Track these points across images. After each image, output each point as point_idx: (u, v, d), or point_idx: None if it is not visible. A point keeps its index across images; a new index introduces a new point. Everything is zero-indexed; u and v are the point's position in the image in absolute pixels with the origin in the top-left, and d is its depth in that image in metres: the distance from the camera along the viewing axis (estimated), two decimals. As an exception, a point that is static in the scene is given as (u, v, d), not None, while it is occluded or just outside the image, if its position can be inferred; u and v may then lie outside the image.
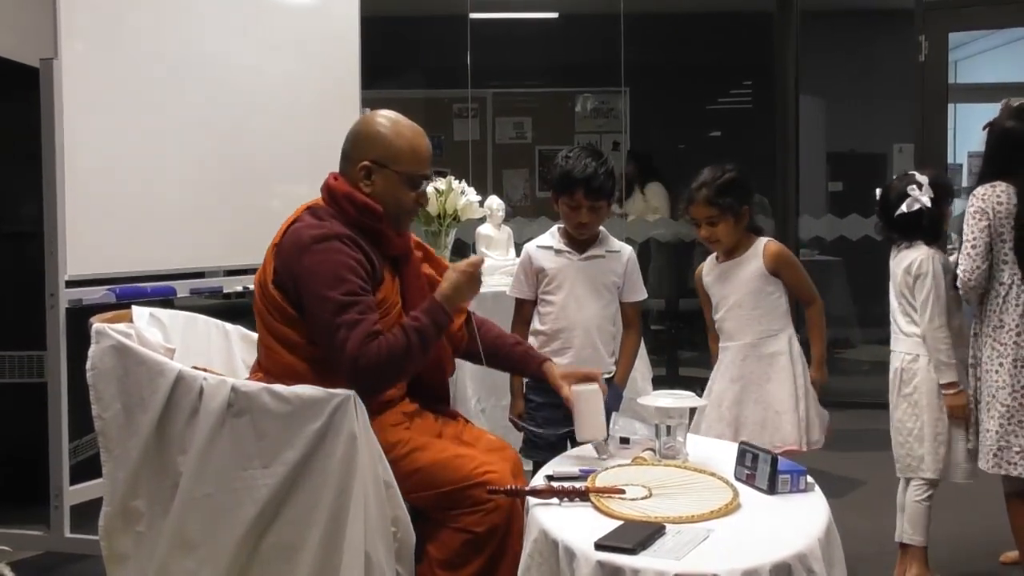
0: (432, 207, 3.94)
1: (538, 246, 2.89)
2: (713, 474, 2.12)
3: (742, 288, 2.95)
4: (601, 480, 2.07)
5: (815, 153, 7.08)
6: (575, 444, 2.47)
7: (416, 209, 2.44)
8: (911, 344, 3.02)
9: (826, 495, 2.05)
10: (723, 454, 2.26)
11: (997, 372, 2.89)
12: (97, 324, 2.32)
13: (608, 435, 2.33)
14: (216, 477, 2.17)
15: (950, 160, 6.47)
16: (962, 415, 2.96)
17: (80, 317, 2.64)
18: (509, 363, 2.62)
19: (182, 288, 3.46)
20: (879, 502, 3.56)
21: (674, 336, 6.52)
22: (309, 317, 2.23)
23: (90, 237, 3.13)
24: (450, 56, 6.62)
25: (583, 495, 1.97)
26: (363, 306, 2.18)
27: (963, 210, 3.00)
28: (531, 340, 2.88)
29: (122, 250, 3.26)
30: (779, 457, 2.09)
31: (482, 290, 2.64)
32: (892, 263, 3.09)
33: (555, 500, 1.98)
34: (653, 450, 2.28)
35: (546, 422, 2.71)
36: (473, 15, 6.44)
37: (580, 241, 2.85)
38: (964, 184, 6.86)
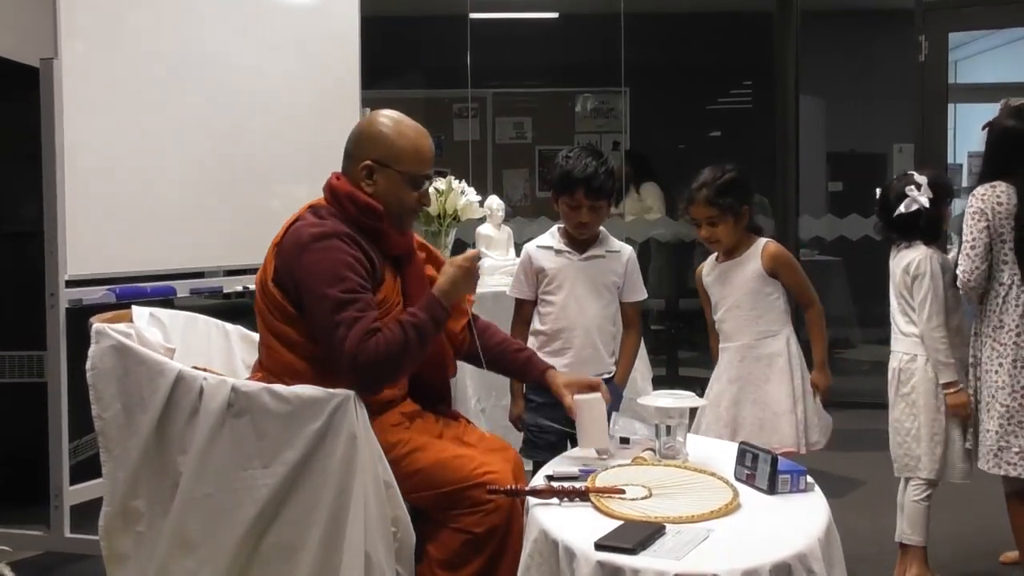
0: (432, 207, 3.94)
1: (538, 246, 2.89)
2: (713, 474, 2.12)
3: (740, 289, 2.95)
4: (601, 480, 2.07)
5: (815, 153, 7.07)
6: (575, 444, 2.47)
7: (418, 209, 2.43)
8: (909, 344, 3.02)
9: (826, 495, 2.05)
10: (723, 454, 2.26)
11: (997, 372, 2.89)
12: (97, 324, 2.32)
13: (610, 439, 2.33)
14: (216, 477, 2.17)
15: (950, 160, 6.47)
16: (964, 413, 2.96)
17: (80, 317, 2.64)
18: (511, 369, 2.61)
19: (182, 288, 3.46)
20: (879, 502, 3.56)
21: (674, 336, 6.52)
22: (308, 315, 2.23)
23: (90, 237, 3.13)
24: (450, 56, 6.62)
25: (583, 495, 1.97)
26: (362, 303, 2.18)
27: (963, 210, 3.00)
28: (531, 340, 2.88)
29: (122, 250, 3.26)
30: (779, 457, 2.09)
31: (482, 290, 2.65)
32: (891, 263, 3.09)
33: (555, 500, 1.98)
34: (653, 450, 2.28)
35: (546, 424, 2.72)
36: (473, 15, 6.44)
37: (580, 241, 2.85)
38: (964, 184, 6.86)
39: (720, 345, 3.02)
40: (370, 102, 4.03)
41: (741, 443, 2.17)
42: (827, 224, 6.23)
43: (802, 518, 1.91)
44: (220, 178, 3.57)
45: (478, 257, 2.37)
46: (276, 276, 2.28)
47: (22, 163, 3.40)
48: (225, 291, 3.82)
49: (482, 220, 4.30)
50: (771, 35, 6.35)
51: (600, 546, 1.73)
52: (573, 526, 1.84)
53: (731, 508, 1.92)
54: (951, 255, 3.07)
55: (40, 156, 3.06)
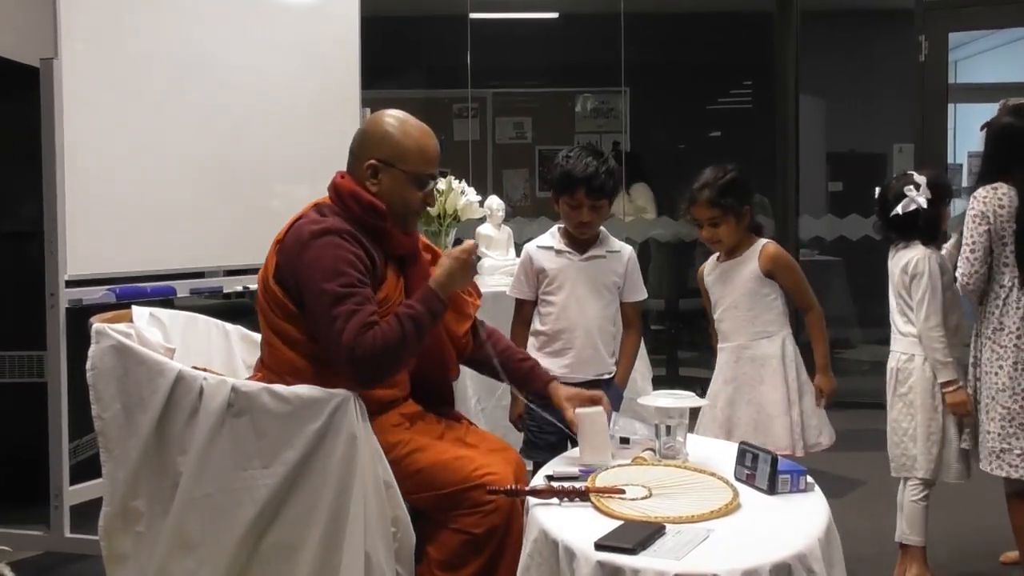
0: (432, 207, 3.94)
1: (538, 246, 2.89)
2: (713, 474, 2.12)
3: (738, 289, 2.94)
4: (601, 480, 2.06)
5: (815, 153, 7.07)
6: (575, 444, 2.46)
7: (423, 209, 2.43)
8: (907, 344, 3.02)
9: (826, 495, 2.05)
10: (723, 454, 2.26)
11: (997, 374, 2.89)
12: (97, 324, 2.32)
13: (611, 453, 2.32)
14: (216, 477, 2.17)
15: (950, 160, 6.47)
16: (963, 412, 2.96)
17: (80, 317, 2.64)
18: (514, 378, 2.58)
19: (182, 288, 3.46)
20: (879, 502, 3.56)
21: (674, 336, 6.51)
22: (308, 312, 2.23)
23: (90, 237, 3.13)
24: (450, 56, 6.62)
25: (583, 495, 1.97)
26: (360, 297, 2.17)
27: (963, 210, 3.00)
28: (531, 340, 2.88)
29: (122, 250, 3.26)
30: (779, 457, 2.09)
31: (482, 290, 2.64)
32: (890, 263, 3.09)
33: (555, 500, 1.98)
34: (653, 450, 2.28)
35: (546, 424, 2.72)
36: (473, 15, 6.44)
37: (581, 241, 2.85)
38: (964, 184, 6.87)
39: (719, 345, 3.02)
40: (370, 102, 4.03)
41: (741, 443, 2.17)
42: (827, 224, 6.23)
43: (802, 518, 1.91)
44: (220, 178, 3.56)
45: (475, 248, 2.36)
46: (277, 273, 2.29)
47: (22, 163, 3.40)
48: (225, 291, 3.83)
49: (482, 220, 4.30)
50: (771, 35, 6.35)
51: (600, 546, 1.73)
52: (573, 526, 1.84)
53: (731, 508, 1.92)
54: (944, 250, 3.07)
55: (40, 156, 3.06)
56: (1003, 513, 3.05)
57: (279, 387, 2.17)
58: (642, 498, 1.96)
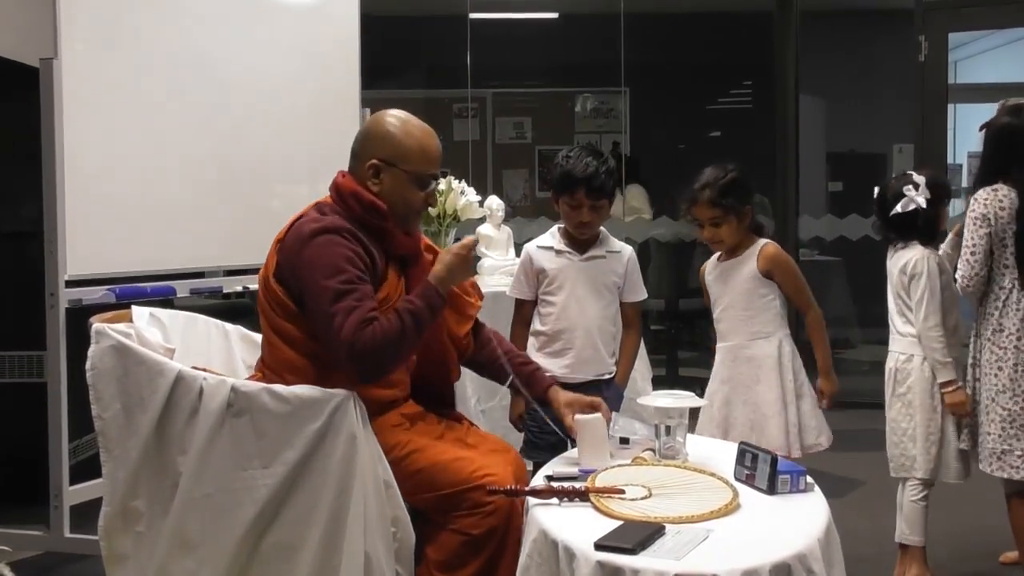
0: (434, 207, 3.94)
1: (538, 246, 2.89)
2: (713, 474, 2.12)
3: (736, 289, 2.94)
4: (601, 480, 2.07)
5: (815, 153, 7.07)
6: (575, 444, 2.47)
7: (424, 209, 2.43)
8: (906, 344, 3.02)
9: (826, 495, 2.05)
10: (723, 454, 2.26)
11: (996, 376, 2.89)
12: (97, 324, 2.32)
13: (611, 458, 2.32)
14: (216, 477, 2.17)
15: (950, 160, 6.47)
16: (962, 412, 2.96)
17: (80, 317, 2.64)
18: (514, 382, 2.59)
19: (182, 288, 3.46)
20: (879, 502, 3.56)
21: (674, 336, 6.52)
22: (308, 309, 2.23)
23: (90, 237, 3.13)
24: (450, 56, 6.62)
25: (583, 495, 1.97)
26: (359, 293, 2.18)
27: (962, 210, 3.00)
28: (531, 341, 2.88)
29: (122, 250, 3.26)
30: (779, 457, 2.09)
31: (483, 290, 2.64)
32: (889, 263, 3.09)
33: (555, 500, 1.98)
34: (653, 450, 2.28)
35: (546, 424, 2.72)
36: (473, 15, 6.44)
37: (581, 241, 2.85)
38: (964, 184, 6.87)
39: (717, 345, 3.02)
40: (370, 102, 4.03)
41: (741, 443, 2.17)
42: (827, 224, 6.24)
43: (802, 518, 1.91)
44: (220, 178, 3.57)
45: (475, 244, 2.36)
46: (278, 271, 2.29)
47: (22, 163, 3.40)
48: (225, 291, 3.83)
49: (482, 220, 4.30)
50: (771, 35, 6.35)
51: (600, 546, 1.73)
52: (573, 526, 1.84)
53: (731, 508, 1.92)
54: (941, 249, 3.08)
55: (40, 156, 3.06)
56: (1003, 513, 3.05)
57: (279, 387, 2.17)
58: (642, 498, 1.96)
